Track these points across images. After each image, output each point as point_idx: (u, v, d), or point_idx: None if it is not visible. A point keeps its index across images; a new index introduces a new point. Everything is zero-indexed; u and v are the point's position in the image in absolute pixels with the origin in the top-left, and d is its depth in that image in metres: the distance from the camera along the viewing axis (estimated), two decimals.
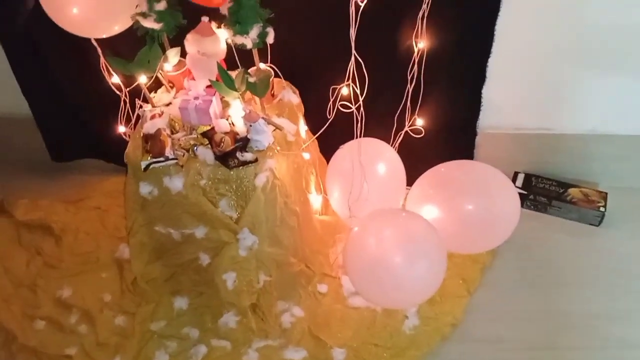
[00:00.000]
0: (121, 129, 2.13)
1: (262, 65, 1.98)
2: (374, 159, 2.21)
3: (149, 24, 1.79)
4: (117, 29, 1.89)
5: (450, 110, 2.29)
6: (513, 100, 2.34)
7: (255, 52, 1.88)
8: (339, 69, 1.93)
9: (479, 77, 2.21)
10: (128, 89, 2.15)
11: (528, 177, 2.50)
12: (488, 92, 2.26)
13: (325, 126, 1.99)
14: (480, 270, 2.19)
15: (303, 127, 2.14)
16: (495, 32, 2.07)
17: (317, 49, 2.13)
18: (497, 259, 2.23)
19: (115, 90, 2.18)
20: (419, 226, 1.91)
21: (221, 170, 1.81)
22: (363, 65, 1.82)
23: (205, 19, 1.82)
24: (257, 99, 1.92)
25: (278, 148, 1.87)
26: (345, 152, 2.23)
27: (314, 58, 2.15)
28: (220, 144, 1.81)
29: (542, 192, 2.42)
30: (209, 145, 1.84)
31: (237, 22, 1.75)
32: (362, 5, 1.67)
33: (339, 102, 1.94)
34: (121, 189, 2.71)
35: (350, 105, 1.91)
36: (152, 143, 1.82)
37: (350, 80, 1.83)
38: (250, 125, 1.78)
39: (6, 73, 2.39)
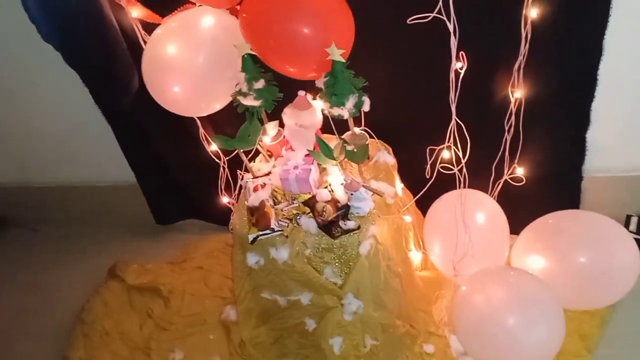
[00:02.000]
0: (224, 199, 2.24)
1: (356, 130, 2.03)
2: (473, 211, 2.18)
3: (249, 102, 1.90)
4: (217, 107, 2.02)
5: (553, 156, 2.23)
6: (619, 141, 2.24)
7: (350, 119, 1.93)
8: (431, 124, 1.97)
9: (583, 121, 2.14)
10: (227, 158, 2.28)
11: None
12: (592, 134, 2.18)
13: (425, 188, 2.00)
14: (599, 326, 2.08)
15: (399, 186, 2.16)
16: (598, 75, 2.01)
17: (408, 107, 2.16)
18: (618, 312, 2.12)
19: (214, 159, 2.31)
20: (532, 284, 1.86)
21: (325, 239, 1.86)
22: (464, 127, 1.82)
23: (301, 93, 1.91)
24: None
25: (378, 213, 1.90)
26: (443, 204, 2.22)
27: (406, 116, 2.18)
28: (322, 213, 1.87)
29: None
30: (311, 214, 1.90)
31: (333, 94, 1.82)
32: (462, 71, 1.68)
33: (439, 164, 1.94)
34: (221, 248, 2.87)
35: (452, 167, 1.91)
36: (258, 215, 1.90)
37: (452, 142, 1.84)
38: (352, 194, 1.83)
39: (113, 145, 2.61)
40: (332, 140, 1.95)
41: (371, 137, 2.08)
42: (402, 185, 2.17)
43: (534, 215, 2.19)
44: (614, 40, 1.91)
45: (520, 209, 2.21)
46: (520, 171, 2.22)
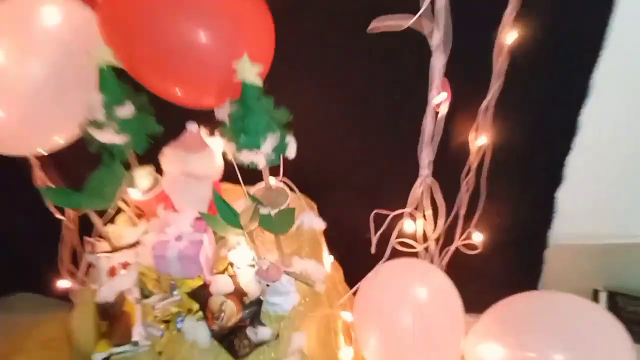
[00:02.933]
0: (62, 283, 1.48)
1: (272, 181, 1.41)
2: (418, 288, 1.64)
3: (107, 137, 1.20)
4: (59, 141, 1.30)
5: (517, 218, 1.78)
6: (588, 205, 1.84)
7: (266, 168, 1.31)
8: (367, 174, 1.46)
9: (555, 178, 1.71)
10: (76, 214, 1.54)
11: (612, 296, 1.97)
12: (563, 194, 1.76)
13: (373, 270, 1.43)
14: None
15: (328, 260, 1.56)
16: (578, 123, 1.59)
17: (347, 151, 1.59)
18: None
19: (54, 213, 1.56)
20: None
21: (224, 357, 1.19)
22: (434, 190, 1.28)
23: (192, 126, 1.25)
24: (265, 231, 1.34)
25: (304, 309, 1.28)
26: (380, 282, 1.64)
27: (342, 163, 1.60)
28: (219, 315, 1.20)
29: (635, 318, 1.89)
30: (202, 315, 1.23)
31: (242, 131, 1.18)
32: (441, 113, 1.15)
33: (396, 237, 1.38)
34: (64, 335, 2.05)
35: (415, 245, 1.35)
36: (112, 320, 1.19)
37: (418, 209, 1.29)
38: (268, 285, 1.19)
39: None
40: (236, 198, 1.31)
41: (291, 189, 1.47)
42: (331, 258, 1.57)
43: (490, 290, 1.68)
44: (604, 82, 1.49)
45: (473, 282, 1.71)
46: (477, 237, 1.73)
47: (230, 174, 1.35)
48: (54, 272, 1.74)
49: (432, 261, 1.70)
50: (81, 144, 1.31)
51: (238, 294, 1.25)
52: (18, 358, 1.96)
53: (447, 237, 1.75)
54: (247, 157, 1.20)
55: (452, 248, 1.78)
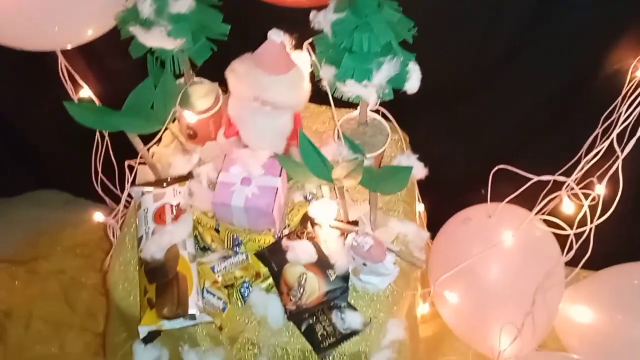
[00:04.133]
0: (98, 216, 1.22)
1: (370, 114, 1.07)
2: (512, 240, 1.36)
3: (155, 40, 0.86)
4: (90, 34, 0.96)
5: None
6: None
7: (363, 107, 0.96)
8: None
9: None
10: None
11: None
12: None
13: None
14: None
15: (419, 208, 1.26)
16: None
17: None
18: None
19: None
20: None
21: (298, 343, 0.95)
22: None
23: (276, 35, 0.89)
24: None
25: (400, 288, 1.00)
26: (468, 230, 1.35)
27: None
28: (297, 291, 0.94)
29: None
30: (273, 286, 0.97)
31: (348, 50, 0.82)
32: None
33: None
34: (96, 239, 1.86)
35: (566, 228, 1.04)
36: (162, 285, 0.93)
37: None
38: (364, 265, 0.90)
39: None
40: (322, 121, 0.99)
41: (386, 119, 1.13)
42: (421, 207, 1.27)
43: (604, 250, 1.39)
44: None
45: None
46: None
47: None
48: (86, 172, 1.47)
49: None
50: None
51: (321, 266, 0.97)
52: (42, 264, 1.78)
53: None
54: (351, 89, 0.86)
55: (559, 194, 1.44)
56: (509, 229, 1.23)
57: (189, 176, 1.10)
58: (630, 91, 1.05)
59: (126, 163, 1.13)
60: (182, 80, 1.06)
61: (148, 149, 1.10)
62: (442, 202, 1.33)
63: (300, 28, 0.93)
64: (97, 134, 1.29)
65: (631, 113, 1.01)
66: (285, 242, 0.99)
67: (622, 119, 1.02)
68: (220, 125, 1.12)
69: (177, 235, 0.99)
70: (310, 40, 0.93)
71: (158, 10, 0.86)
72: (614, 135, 1.00)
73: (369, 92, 0.86)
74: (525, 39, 1.16)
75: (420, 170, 1.12)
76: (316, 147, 0.89)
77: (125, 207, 1.17)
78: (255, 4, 0.97)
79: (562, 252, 1.13)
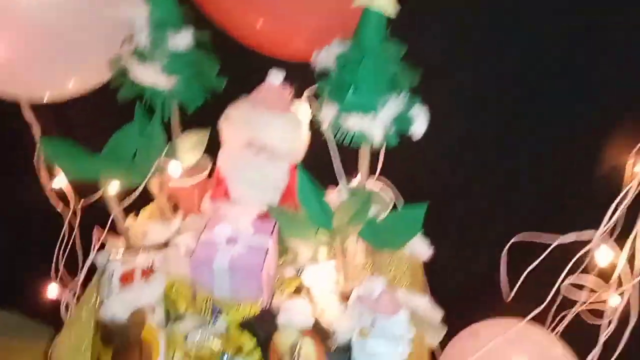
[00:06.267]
0: (52, 289, 1.06)
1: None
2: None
3: (149, 77, 0.82)
4: (70, 86, 0.92)
5: None
6: None
7: (364, 149, 0.91)
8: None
9: None
10: (82, 203, 1.13)
11: None
12: None
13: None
14: None
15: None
16: None
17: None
18: None
19: (54, 204, 1.16)
20: None
21: None
22: None
23: (276, 76, 0.87)
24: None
25: None
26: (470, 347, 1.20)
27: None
28: None
29: None
30: (260, 357, 0.80)
31: (353, 84, 0.80)
32: None
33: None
34: None
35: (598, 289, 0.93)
36: (121, 350, 0.76)
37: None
38: (373, 322, 0.76)
39: None
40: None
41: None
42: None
43: None
44: None
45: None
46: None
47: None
48: (42, 283, 1.31)
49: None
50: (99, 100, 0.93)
51: (319, 333, 0.82)
52: None
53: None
54: (355, 123, 0.81)
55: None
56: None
57: (165, 245, 0.98)
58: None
59: (94, 231, 1.01)
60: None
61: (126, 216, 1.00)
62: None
63: (298, 80, 0.92)
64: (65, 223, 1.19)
65: None
66: (277, 302, 0.85)
67: None
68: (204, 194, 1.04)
69: (146, 297, 0.84)
70: (310, 88, 0.91)
71: (155, 42, 0.84)
72: None
73: (374, 127, 0.81)
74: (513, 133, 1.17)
75: (423, 249, 1.04)
76: (316, 187, 0.81)
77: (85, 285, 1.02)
78: (253, 56, 0.97)
79: None
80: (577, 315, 1.28)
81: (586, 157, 1.19)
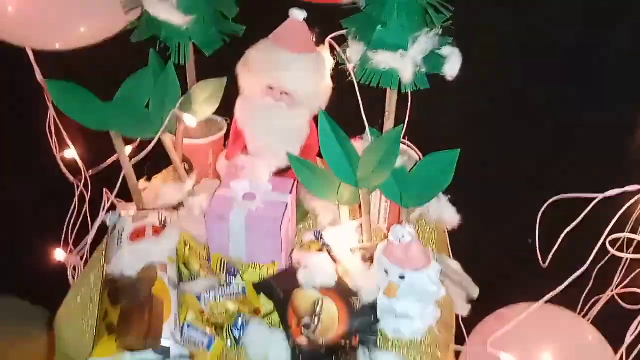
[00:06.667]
0: (59, 254, 1.01)
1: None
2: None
3: (164, 11, 0.77)
4: (83, 31, 0.87)
5: None
6: None
7: (392, 99, 0.84)
8: None
9: None
10: (92, 171, 1.07)
11: None
12: None
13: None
14: None
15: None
16: None
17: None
18: None
19: (65, 172, 1.10)
20: None
21: None
22: None
23: (298, 13, 0.81)
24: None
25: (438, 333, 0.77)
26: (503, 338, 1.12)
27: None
28: (311, 321, 0.70)
29: None
30: (280, 321, 0.73)
31: (381, 20, 0.73)
32: None
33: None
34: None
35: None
36: (130, 308, 0.70)
37: None
38: (402, 277, 0.69)
39: None
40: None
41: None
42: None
43: None
44: None
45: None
46: None
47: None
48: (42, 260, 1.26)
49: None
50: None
51: (342, 292, 0.75)
52: None
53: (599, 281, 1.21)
54: (384, 59, 0.74)
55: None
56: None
57: (179, 207, 0.92)
58: None
59: (104, 192, 0.95)
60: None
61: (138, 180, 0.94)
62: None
63: (320, 26, 0.86)
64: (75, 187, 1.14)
65: None
66: (297, 255, 0.78)
67: None
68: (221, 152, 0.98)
69: (158, 251, 0.78)
70: (332, 35, 0.84)
71: None
72: None
73: (404, 64, 0.74)
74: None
75: (451, 214, 0.96)
76: (340, 131, 0.74)
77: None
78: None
79: None
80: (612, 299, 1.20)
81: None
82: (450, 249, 1.04)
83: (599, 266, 1.04)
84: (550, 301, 1.04)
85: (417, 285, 0.70)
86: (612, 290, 1.19)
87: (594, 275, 1.12)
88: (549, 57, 1.07)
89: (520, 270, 1.13)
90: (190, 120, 0.87)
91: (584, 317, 1.23)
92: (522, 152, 1.15)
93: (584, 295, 1.22)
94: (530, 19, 1.05)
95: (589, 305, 1.25)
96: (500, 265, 1.26)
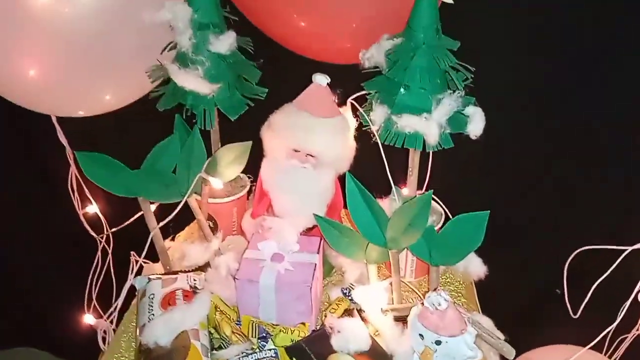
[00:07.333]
0: (88, 318, 1.01)
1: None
2: None
3: (192, 83, 0.79)
4: (108, 99, 0.89)
5: None
6: None
7: (415, 157, 0.86)
8: None
9: None
10: (113, 230, 1.09)
11: None
12: None
13: None
14: None
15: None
16: None
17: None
18: None
19: (89, 230, 1.12)
20: None
21: None
22: None
23: (321, 79, 0.83)
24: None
25: None
26: None
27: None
28: None
29: None
30: None
31: (404, 82, 0.75)
32: None
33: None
34: None
35: None
36: None
37: None
38: (437, 343, 0.69)
39: None
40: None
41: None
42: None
43: None
44: None
45: None
46: None
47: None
48: (69, 322, 1.26)
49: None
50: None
51: (376, 356, 0.75)
52: None
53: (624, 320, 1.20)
54: (408, 123, 0.76)
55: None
56: None
57: (205, 267, 0.93)
58: None
59: (132, 255, 0.96)
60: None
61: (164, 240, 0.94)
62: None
63: (341, 86, 0.88)
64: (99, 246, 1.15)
65: None
66: (329, 321, 0.78)
67: None
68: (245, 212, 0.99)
69: (190, 319, 0.78)
70: (354, 96, 0.86)
71: (197, 45, 0.81)
72: None
73: (429, 126, 0.76)
74: None
75: (477, 267, 0.96)
76: (367, 193, 0.75)
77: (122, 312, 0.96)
78: (296, 62, 0.93)
79: None
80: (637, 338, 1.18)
81: None
82: (478, 302, 1.04)
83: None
84: (575, 342, 1.04)
85: (453, 351, 0.70)
86: (637, 330, 1.18)
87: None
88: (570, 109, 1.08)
89: (545, 317, 1.13)
90: (216, 183, 0.88)
91: (609, 357, 1.22)
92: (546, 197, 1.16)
93: (609, 335, 1.21)
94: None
95: (615, 344, 1.24)
96: (523, 312, 1.26)
